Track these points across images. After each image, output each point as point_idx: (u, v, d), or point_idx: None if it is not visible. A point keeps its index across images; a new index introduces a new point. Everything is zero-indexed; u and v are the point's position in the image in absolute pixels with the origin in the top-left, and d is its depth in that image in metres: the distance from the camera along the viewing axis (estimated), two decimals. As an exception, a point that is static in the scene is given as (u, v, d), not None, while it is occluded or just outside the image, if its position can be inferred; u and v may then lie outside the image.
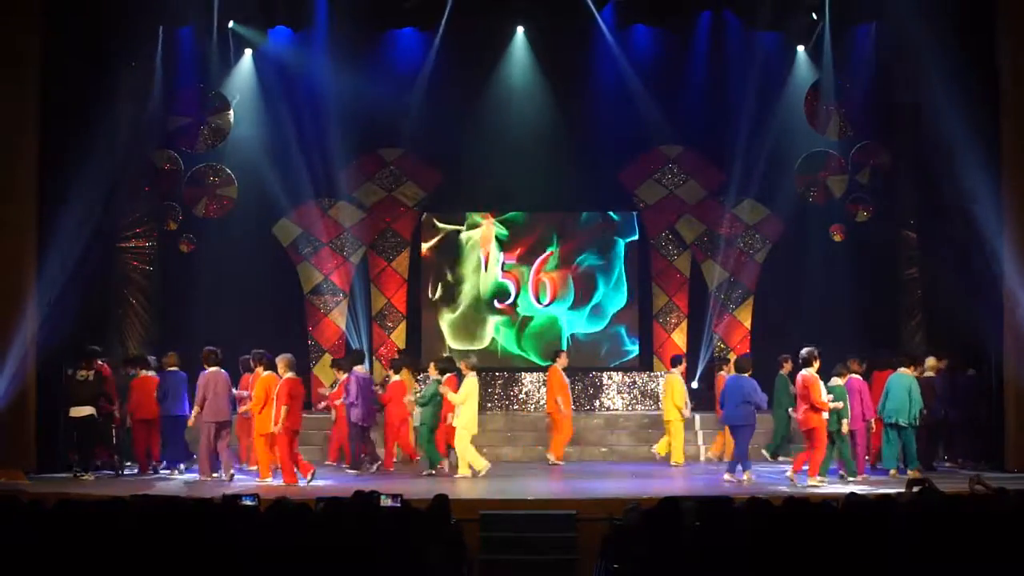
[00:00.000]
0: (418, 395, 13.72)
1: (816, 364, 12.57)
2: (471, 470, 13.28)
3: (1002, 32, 13.96)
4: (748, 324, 18.01)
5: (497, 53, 17.64)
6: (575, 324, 18.21)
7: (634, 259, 18.30)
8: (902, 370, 13.50)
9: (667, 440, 14.67)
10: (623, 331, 18.20)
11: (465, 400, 13.31)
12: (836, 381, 12.88)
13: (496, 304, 18.21)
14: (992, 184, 14.01)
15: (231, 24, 16.58)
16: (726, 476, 12.76)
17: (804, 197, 17.26)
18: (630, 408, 17.37)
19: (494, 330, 18.22)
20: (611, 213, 18.40)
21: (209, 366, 13.28)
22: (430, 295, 18.24)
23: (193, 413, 13.18)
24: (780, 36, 17.05)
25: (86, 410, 13.41)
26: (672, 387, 14.62)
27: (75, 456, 13.68)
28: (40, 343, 13.57)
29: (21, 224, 13.59)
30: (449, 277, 18.28)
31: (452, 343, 18.13)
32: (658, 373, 17.69)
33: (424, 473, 13.48)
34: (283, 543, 6.64)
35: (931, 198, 15.77)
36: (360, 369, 14.08)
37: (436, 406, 13.47)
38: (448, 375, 13.69)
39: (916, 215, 16.58)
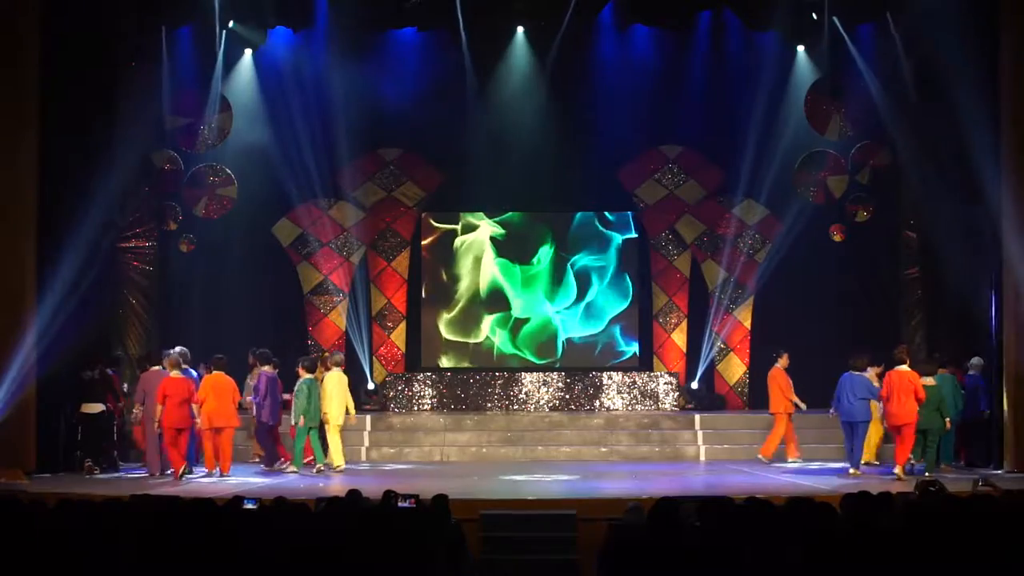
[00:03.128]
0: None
1: (908, 361, 13.14)
2: (325, 463, 13.77)
3: (1004, 30, 13.95)
4: (748, 324, 18.01)
5: (497, 53, 17.64)
6: (570, 327, 18.23)
7: (633, 259, 18.31)
8: (942, 371, 13.84)
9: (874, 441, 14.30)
10: (618, 332, 18.21)
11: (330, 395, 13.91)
12: (928, 380, 13.20)
13: (491, 305, 18.23)
14: (993, 183, 14.01)
15: (231, 24, 16.55)
16: (851, 471, 13.11)
17: (804, 197, 17.26)
18: (630, 408, 17.35)
19: (489, 330, 18.23)
20: (607, 214, 18.38)
21: (151, 366, 13.92)
22: (423, 294, 18.27)
23: (134, 412, 13.87)
24: (780, 36, 17.04)
25: (98, 407, 13.78)
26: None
27: (80, 453, 13.84)
28: (40, 344, 13.57)
29: (21, 225, 13.56)
30: (444, 277, 18.28)
31: (447, 342, 18.18)
32: (658, 373, 17.68)
33: (288, 470, 13.81)
34: (282, 542, 6.64)
35: (931, 198, 15.77)
36: (268, 368, 14.17)
37: (311, 404, 13.71)
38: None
39: (916, 215, 16.58)
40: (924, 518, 7.12)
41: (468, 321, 18.26)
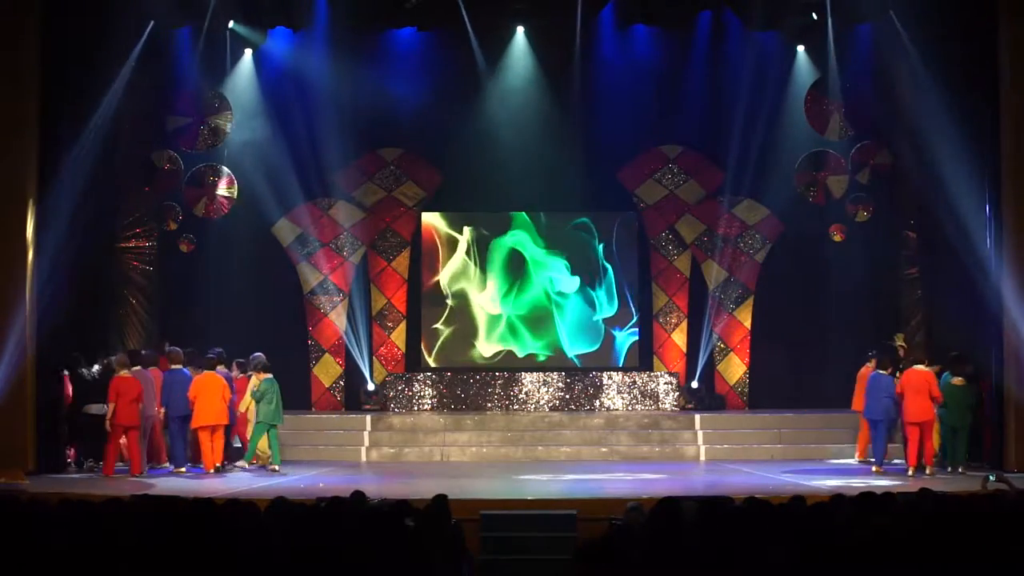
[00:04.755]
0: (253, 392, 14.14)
1: (926, 361, 13.61)
2: (258, 459, 14.09)
3: (1002, 30, 13.96)
4: (748, 324, 18.00)
5: (497, 53, 17.64)
6: (570, 327, 18.20)
7: (632, 259, 18.29)
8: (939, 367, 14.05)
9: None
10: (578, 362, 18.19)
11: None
12: (959, 380, 13.55)
13: (491, 308, 18.21)
14: (992, 183, 14.02)
15: (231, 24, 16.55)
16: (875, 469, 13.50)
17: (804, 197, 17.26)
18: (630, 408, 17.34)
19: (492, 332, 18.21)
20: (604, 214, 18.37)
21: (153, 365, 14.23)
22: (445, 292, 18.20)
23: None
24: (780, 36, 17.05)
25: (102, 407, 13.75)
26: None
27: (76, 453, 13.93)
28: (39, 343, 13.58)
29: (20, 224, 13.57)
30: (433, 278, 18.22)
31: (453, 346, 18.18)
32: (658, 373, 17.67)
33: (248, 467, 14.07)
34: (282, 542, 6.64)
35: (931, 198, 15.76)
36: (221, 369, 14.28)
37: (272, 404, 13.86)
38: (241, 375, 14.50)
39: (916, 215, 16.58)
40: (924, 518, 7.12)
41: (470, 327, 18.21)
